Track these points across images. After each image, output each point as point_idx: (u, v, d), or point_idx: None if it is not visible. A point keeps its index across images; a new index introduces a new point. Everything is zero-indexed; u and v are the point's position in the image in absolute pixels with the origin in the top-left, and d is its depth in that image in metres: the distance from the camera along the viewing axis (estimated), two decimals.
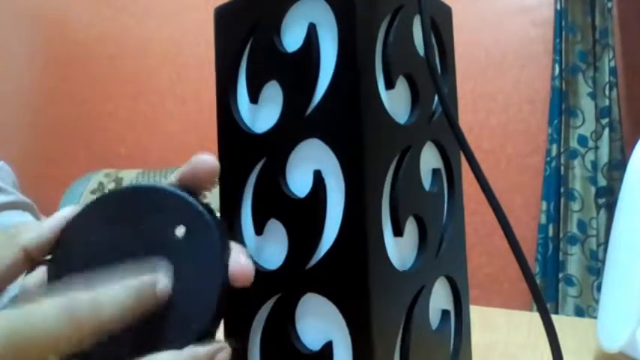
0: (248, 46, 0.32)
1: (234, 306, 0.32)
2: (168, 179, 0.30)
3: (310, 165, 0.29)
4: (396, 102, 0.31)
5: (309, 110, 0.29)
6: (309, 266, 0.29)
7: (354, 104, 0.27)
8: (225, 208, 0.33)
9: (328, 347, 0.29)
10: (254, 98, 0.32)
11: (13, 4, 2.76)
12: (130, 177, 2.21)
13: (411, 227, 0.32)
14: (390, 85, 0.29)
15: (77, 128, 2.67)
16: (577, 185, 1.72)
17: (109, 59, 2.58)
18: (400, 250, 0.31)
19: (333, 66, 0.28)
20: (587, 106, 1.72)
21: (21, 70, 2.77)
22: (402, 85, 0.31)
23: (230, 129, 0.33)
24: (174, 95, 2.45)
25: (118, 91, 2.57)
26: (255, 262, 0.32)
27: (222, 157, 0.33)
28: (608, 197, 1.68)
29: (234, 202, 0.33)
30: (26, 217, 0.57)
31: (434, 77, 0.30)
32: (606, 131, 1.68)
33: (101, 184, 2.24)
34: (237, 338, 0.32)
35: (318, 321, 0.29)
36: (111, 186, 2.21)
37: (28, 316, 0.22)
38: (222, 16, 0.34)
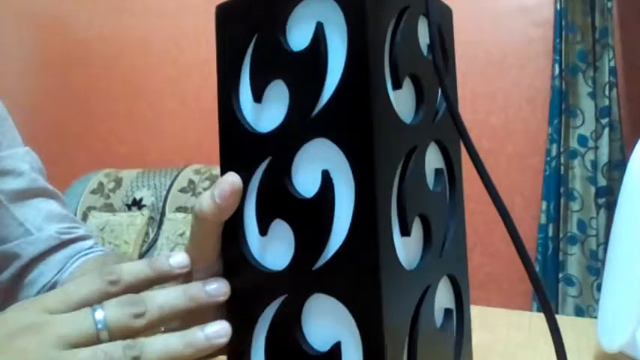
0: (251, 44, 0.32)
1: (238, 307, 0.33)
2: (202, 205, 0.32)
3: (317, 165, 0.29)
4: (403, 102, 0.31)
5: (317, 110, 0.29)
6: (316, 266, 0.29)
7: (364, 104, 0.28)
8: None
9: (336, 348, 0.29)
10: (258, 97, 0.32)
11: (13, 4, 2.76)
12: (130, 177, 2.21)
13: (416, 227, 0.32)
14: (397, 84, 0.30)
15: (77, 128, 2.67)
16: (577, 185, 1.73)
17: (109, 59, 2.58)
18: (407, 249, 0.31)
19: (342, 65, 0.28)
20: (587, 106, 1.72)
21: (21, 70, 2.77)
22: (407, 86, 0.32)
23: (232, 128, 0.33)
24: (174, 95, 2.45)
25: (118, 91, 2.57)
26: (259, 263, 0.32)
27: (224, 156, 0.33)
28: (608, 197, 1.68)
29: None
30: (51, 204, 0.58)
31: (440, 78, 0.30)
32: (606, 131, 1.69)
33: (101, 184, 2.24)
34: (240, 340, 0.32)
35: (326, 322, 0.29)
36: (111, 186, 2.21)
37: (106, 350, 0.28)
38: (223, 14, 0.34)
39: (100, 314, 0.29)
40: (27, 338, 0.28)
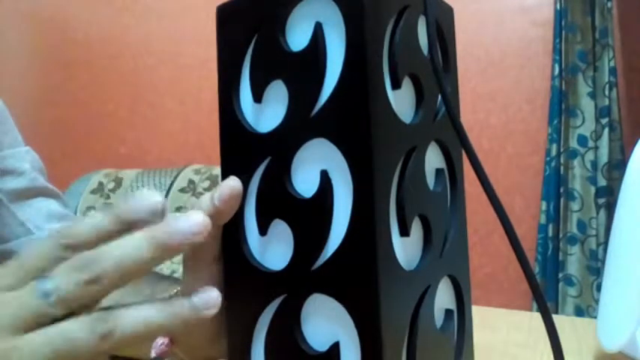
0: (251, 45, 0.32)
1: (237, 307, 0.33)
2: (202, 208, 0.31)
3: (316, 165, 0.29)
4: (402, 102, 0.31)
5: (316, 110, 0.29)
6: (315, 266, 0.29)
7: (363, 104, 0.28)
8: None
9: (335, 348, 0.29)
10: (258, 97, 0.32)
11: (13, 4, 2.76)
12: (130, 177, 2.21)
13: (416, 227, 0.32)
14: (396, 84, 0.30)
15: (77, 128, 2.67)
16: (577, 185, 1.72)
17: (109, 59, 2.58)
18: (406, 250, 0.31)
19: (341, 65, 0.28)
20: (587, 106, 1.72)
21: (21, 70, 2.77)
22: (407, 85, 0.32)
23: (233, 128, 0.33)
24: (174, 95, 2.45)
25: (118, 91, 2.57)
26: (259, 263, 0.32)
27: (224, 156, 0.33)
28: (608, 197, 1.68)
29: None
30: (51, 204, 0.58)
31: (438, 78, 0.30)
32: (606, 131, 1.69)
33: (101, 184, 2.24)
34: (240, 340, 0.32)
35: (325, 322, 0.29)
36: (111, 186, 2.21)
37: (65, 333, 0.24)
38: (224, 15, 0.34)
39: (48, 284, 0.24)
40: None
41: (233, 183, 0.32)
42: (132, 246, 0.26)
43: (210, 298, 0.27)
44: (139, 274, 0.26)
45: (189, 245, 0.26)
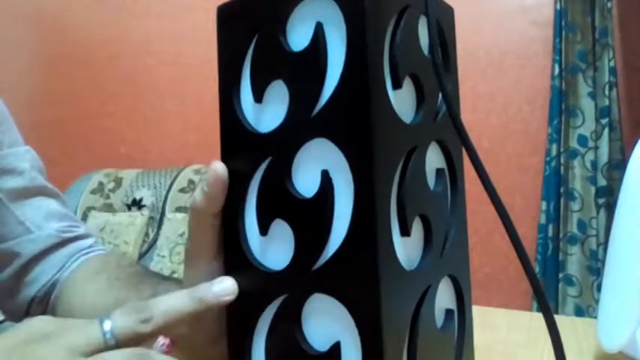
0: (252, 44, 0.32)
1: (238, 307, 0.33)
2: (195, 198, 0.34)
3: (317, 165, 0.30)
4: (403, 102, 0.31)
5: (317, 109, 0.29)
6: (316, 267, 0.29)
7: (364, 104, 0.28)
8: (229, 208, 0.33)
9: (336, 348, 0.29)
10: (258, 97, 0.32)
11: (12, 3, 2.76)
12: (130, 177, 2.21)
13: (416, 227, 0.32)
14: (397, 84, 0.30)
15: (77, 128, 2.67)
16: (577, 185, 1.72)
17: (109, 59, 2.58)
18: (407, 249, 0.31)
19: (342, 65, 0.28)
20: (587, 105, 1.72)
21: (21, 70, 2.77)
22: (407, 85, 0.32)
23: (233, 128, 0.33)
24: (174, 95, 2.45)
25: (118, 91, 2.57)
26: (260, 263, 0.32)
27: (225, 156, 0.34)
28: (608, 197, 1.68)
29: (237, 202, 0.33)
30: (51, 203, 0.58)
31: (439, 78, 0.30)
32: (606, 131, 1.69)
33: (101, 184, 2.24)
34: (240, 340, 0.32)
35: (326, 322, 0.29)
36: (111, 186, 2.21)
37: None
38: (225, 15, 0.34)
39: (107, 325, 0.30)
40: (40, 345, 0.29)
41: (216, 166, 0.33)
42: (176, 300, 0.32)
43: (228, 286, 0.32)
44: (179, 321, 0.32)
45: (221, 303, 0.32)
